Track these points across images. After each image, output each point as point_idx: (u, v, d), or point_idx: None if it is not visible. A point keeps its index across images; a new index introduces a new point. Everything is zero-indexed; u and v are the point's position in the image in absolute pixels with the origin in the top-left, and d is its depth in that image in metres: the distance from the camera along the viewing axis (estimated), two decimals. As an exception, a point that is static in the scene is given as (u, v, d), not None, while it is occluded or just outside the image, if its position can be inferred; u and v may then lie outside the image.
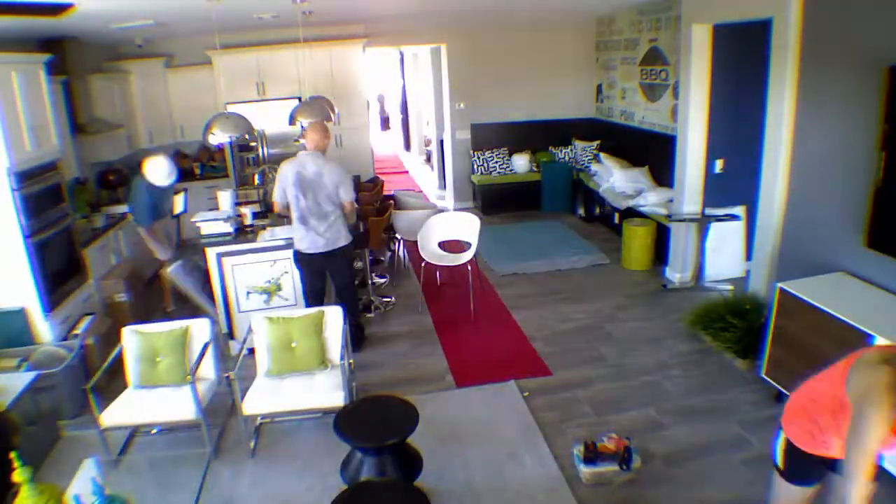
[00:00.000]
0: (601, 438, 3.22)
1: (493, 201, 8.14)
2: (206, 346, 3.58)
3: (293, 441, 3.56)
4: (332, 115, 5.74)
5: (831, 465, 2.07)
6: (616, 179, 6.88)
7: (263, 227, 4.80)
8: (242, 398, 3.38)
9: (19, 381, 3.60)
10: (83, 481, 2.48)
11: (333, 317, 3.72)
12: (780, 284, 3.50)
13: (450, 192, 8.88)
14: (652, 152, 6.81)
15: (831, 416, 1.92)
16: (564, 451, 3.34)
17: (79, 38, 5.82)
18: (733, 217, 5.19)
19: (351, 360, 3.85)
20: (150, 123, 7.21)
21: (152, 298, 5.58)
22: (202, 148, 7.67)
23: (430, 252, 5.28)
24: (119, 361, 3.55)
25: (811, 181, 3.85)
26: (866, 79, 3.28)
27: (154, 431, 3.72)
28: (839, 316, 3.05)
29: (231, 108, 6.55)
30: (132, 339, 3.55)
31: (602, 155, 7.37)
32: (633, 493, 3.02)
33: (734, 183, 5.27)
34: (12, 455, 2.22)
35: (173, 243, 5.46)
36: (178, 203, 5.84)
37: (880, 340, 2.83)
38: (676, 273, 5.52)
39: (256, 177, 5.89)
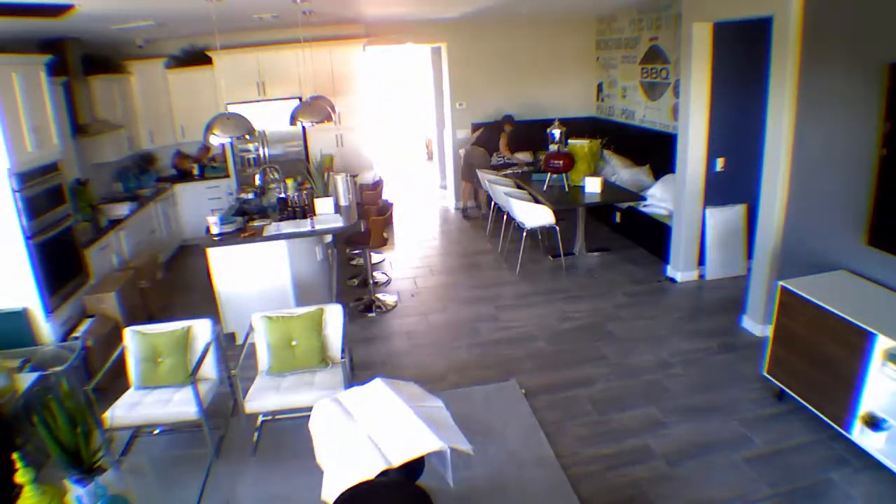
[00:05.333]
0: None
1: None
2: (207, 347, 3.59)
3: (295, 440, 3.55)
4: (332, 114, 5.75)
5: None
6: (619, 178, 6.88)
7: (266, 225, 4.80)
8: (244, 397, 3.39)
9: (22, 381, 3.61)
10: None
11: (333, 315, 3.73)
12: (781, 282, 3.50)
13: (450, 191, 8.88)
14: (653, 151, 6.80)
15: None
16: (566, 449, 3.34)
17: (80, 39, 5.83)
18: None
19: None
20: (151, 124, 7.22)
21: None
22: (203, 148, 7.67)
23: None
24: (121, 362, 3.56)
25: (812, 179, 3.85)
26: (867, 76, 3.27)
27: (156, 432, 3.73)
28: (841, 314, 3.05)
29: (231, 109, 6.55)
30: (134, 339, 3.55)
31: (606, 152, 7.36)
32: (635, 492, 3.02)
33: (735, 181, 5.27)
34: (15, 456, 2.22)
35: None
36: None
37: (882, 339, 2.83)
38: (678, 271, 5.52)
39: (257, 177, 5.89)
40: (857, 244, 3.44)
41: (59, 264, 4.48)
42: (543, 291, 5.56)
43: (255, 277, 4.68)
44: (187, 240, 7.46)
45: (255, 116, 5.09)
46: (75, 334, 4.35)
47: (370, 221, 5.23)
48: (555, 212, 5.75)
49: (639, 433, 3.46)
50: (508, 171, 7.32)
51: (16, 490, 2.25)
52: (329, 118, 5.63)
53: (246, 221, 4.93)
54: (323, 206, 5.05)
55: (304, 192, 5.26)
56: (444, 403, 2.74)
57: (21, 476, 2.19)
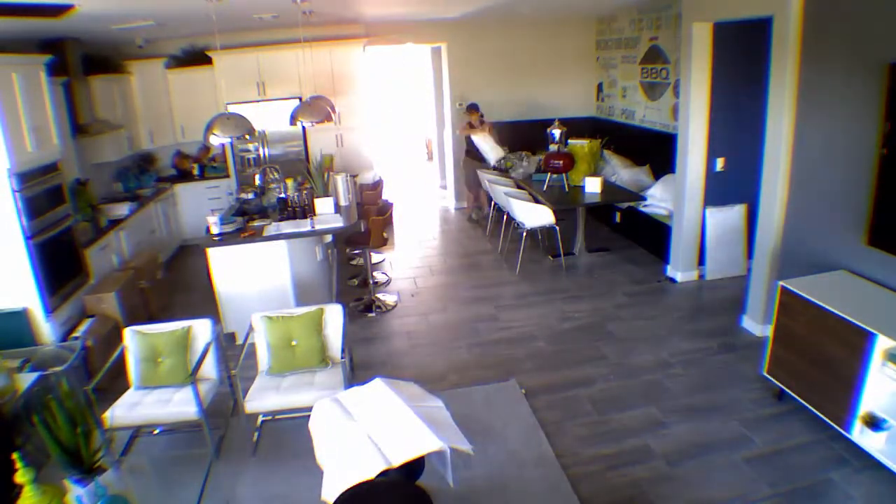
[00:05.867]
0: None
1: (494, 200, 8.11)
2: (207, 347, 3.59)
3: (295, 440, 3.56)
4: (332, 114, 5.75)
5: None
6: (619, 178, 6.88)
7: (266, 225, 4.80)
8: (244, 397, 3.39)
9: (22, 381, 3.61)
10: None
11: (333, 315, 3.73)
12: (781, 282, 3.50)
13: (450, 191, 8.88)
14: (653, 151, 6.80)
15: None
16: (566, 449, 3.34)
17: (80, 39, 5.82)
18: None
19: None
20: (151, 124, 7.22)
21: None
22: (203, 148, 7.67)
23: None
24: (121, 362, 3.56)
25: (812, 179, 3.85)
26: (867, 76, 3.27)
27: (156, 432, 3.73)
28: (840, 314, 3.05)
29: (232, 109, 6.55)
30: (134, 339, 3.55)
31: (606, 152, 7.35)
32: (635, 492, 3.02)
33: (735, 181, 5.27)
34: (15, 456, 2.22)
35: None
36: None
37: (882, 339, 2.83)
38: (678, 271, 5.52)
39: (257, 177, 5.89)
40: (857, 244, 3.44)
41: (59, 264, 4.48)
42: (543, 291, 5.56)
43: (255, 277, 4.68)
44: (187, 240, 7.46)
45: (255, 116, 5.09)
46: (75, 334, 4.35)
47: (370, 221, 5.23)
48: (555, 212, 5.75)
49: (639, 433, 3.46)
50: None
51: (16, 490, 2.25)
52: (329, 118, 5.63)
53: (246, 221, 4.93)
54: (323, 206, 5.05)
55: (304, 192, 5.26)
56: (444, 403, 2.74)
57: (21, 476, 2.19)
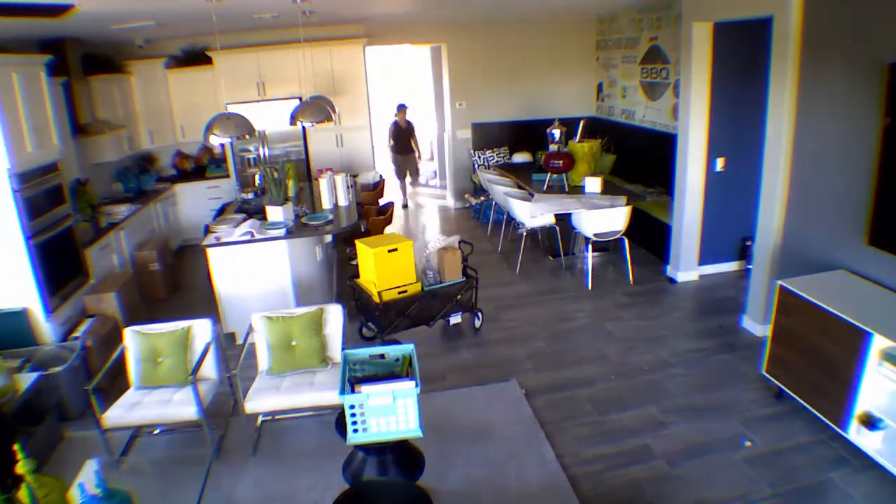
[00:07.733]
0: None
1: (494, 200, 8.11)
2: (207, 347, 3.59)
3: (295, 440, 3.56)
4: (332, 114, 5.75)
5: None
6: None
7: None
8: (244, 397, 3.39)
9: (22, 381, 3.61)
10: (86, 481, 2.47)
11: (333, 315, 3.73)
12: (780, 282, 3.50)
13: (450, 191, 8.88)
14: (652, 151, 6.80)
15: None
16: (566, 449, 3.35)
17: (80, 39, 5.83)
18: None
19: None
20: (151, 124, 7.22)
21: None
22: (203, 148, 7.68)
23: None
24: (121, 362, 3.56)
25: (812, 178, 3.86)
26: (867, 76, 3.28)
27: (156, 432, 3.73)
28: (839, 314, 3.05)
29: (232, 109, 6.55)
30: (134, 339, 3.55)
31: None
32: (635, 492, 3.02)
33: (735, 181, 5.27)
34: (15, 447, 2.21)
35: None
36: None
37: (878, 338, 2.83)
38: (678, 271, 5.52)
39: (257, 177, 5.90)
40: (858, 244, 3.44)
41: (59, 264, 4.48)
42: (543, 291, 5.56)
43: (255, 277, 4.68)
44: (187, 240, 7.47)
45: (255, 116, 5.09)
46: (75, 334, 4.35)
47: (370, 221, 5.23)
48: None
49: (639, 433, 3.46)
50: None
51: (17, 482, 2.24)
52: (329, 118, 5.63)
53: (244, 220, 4.93)
54: (274, 214, 4.88)
55: (303, 191, 5.27)
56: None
57: (21, 467, 2.17)
